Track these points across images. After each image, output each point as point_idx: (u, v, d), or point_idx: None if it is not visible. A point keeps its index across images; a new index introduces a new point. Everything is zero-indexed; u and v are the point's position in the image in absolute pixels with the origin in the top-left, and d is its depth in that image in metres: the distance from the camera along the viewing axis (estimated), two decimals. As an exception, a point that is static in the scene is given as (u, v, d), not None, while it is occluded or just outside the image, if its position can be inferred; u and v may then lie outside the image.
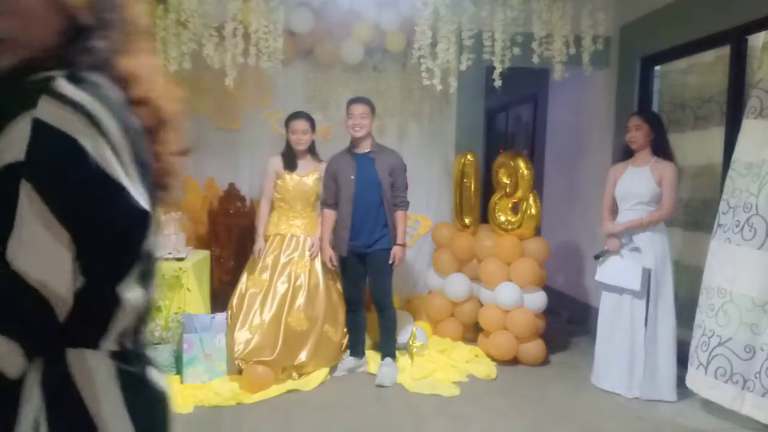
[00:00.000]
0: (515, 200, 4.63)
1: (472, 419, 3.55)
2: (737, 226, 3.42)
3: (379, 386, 3.95)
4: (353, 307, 4.19)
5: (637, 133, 3.89)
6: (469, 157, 4.89)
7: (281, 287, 4.09)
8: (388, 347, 4.14)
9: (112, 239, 0.92)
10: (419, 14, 4.29)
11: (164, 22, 4.16)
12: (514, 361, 4.51)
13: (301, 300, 4.09)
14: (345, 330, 4.28)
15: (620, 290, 3.92)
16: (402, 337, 4.44)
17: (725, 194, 3.57)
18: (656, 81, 4.82)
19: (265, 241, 4.22)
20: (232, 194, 4.83)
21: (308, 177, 4.21)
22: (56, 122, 0.84)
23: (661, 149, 3.90)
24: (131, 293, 0.95)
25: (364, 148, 4.05)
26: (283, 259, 4.14)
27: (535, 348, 4.48)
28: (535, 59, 4.45)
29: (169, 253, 4.24)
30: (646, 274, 3.81)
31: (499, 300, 4.46)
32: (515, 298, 4.42)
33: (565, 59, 4.52)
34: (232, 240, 4.79)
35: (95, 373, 0.92)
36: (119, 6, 1.01)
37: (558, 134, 6.52)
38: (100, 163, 0.87)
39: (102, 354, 0.94)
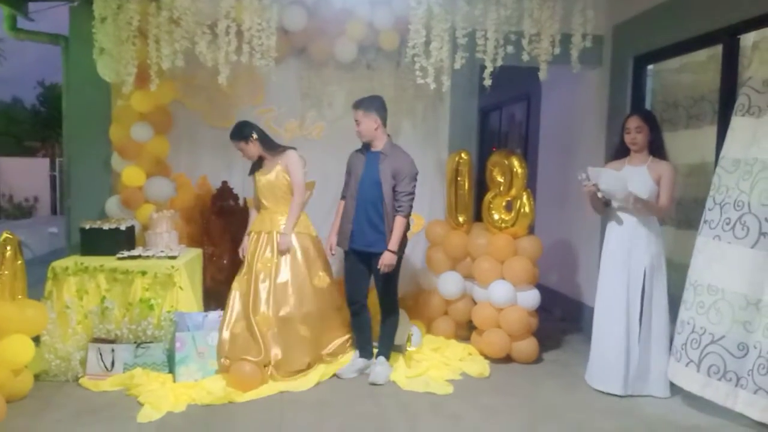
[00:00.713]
0: (509, 199, 4.63)
1: (465, 417, 3.55)
2: (728, 224, 3.44)
3: (373, 384, 3.95)
4: (354, 308, 4.15)
5: (639, 135, 3.89)
6: (463, 155, 4.90)
7: (254, 291, 4.10)
8: (384, 348, 4.13)
9: None
10: (413, 13, 4.29)
11: (157, 19, 4.14)
12: (508, 359, 4.52)
13: (267, 301, 4.07)
14: (332, 328, 4.32)
15: (617, 286, 3.93)
16: (398, 338, 4.43)
17: (712, 191, 3.60)
18: (649, 80, 4.84)
19: (249, 239, 4.30)
20: (224, 192, 4.82)
21: (271, 173, 4.24)
22: None
23: (657, 149, 3.91)
24: None
25: (377, 146, 4.02)
26: (256, 258, 4.17)
27: (528, 346, 4.49)
28: (525, 57, 4.46)
29: (162, 252, 4.23)
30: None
31: (493, 298, 4.47)
32: (508, 296, 4.43)
33: (556, 58, 4.52)
34: (224, 238, 4.77)
35: None
36: None
37: (551, 133, 6.54)
38: None
39: None
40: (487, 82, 4.48)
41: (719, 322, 3.45)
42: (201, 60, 4.22)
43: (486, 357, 4.50)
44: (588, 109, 5.57)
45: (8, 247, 3.64)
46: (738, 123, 3.51)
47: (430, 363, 4.27)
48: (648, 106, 4.81)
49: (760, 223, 3.30)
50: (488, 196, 4.72)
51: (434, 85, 4.43)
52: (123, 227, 4.29)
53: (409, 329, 4.51)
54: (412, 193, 3.95)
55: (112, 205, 4.77)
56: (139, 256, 4.16)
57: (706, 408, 3.70)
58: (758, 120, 3.40)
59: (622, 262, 3.90)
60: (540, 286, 4.67)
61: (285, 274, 4.14)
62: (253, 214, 4.40)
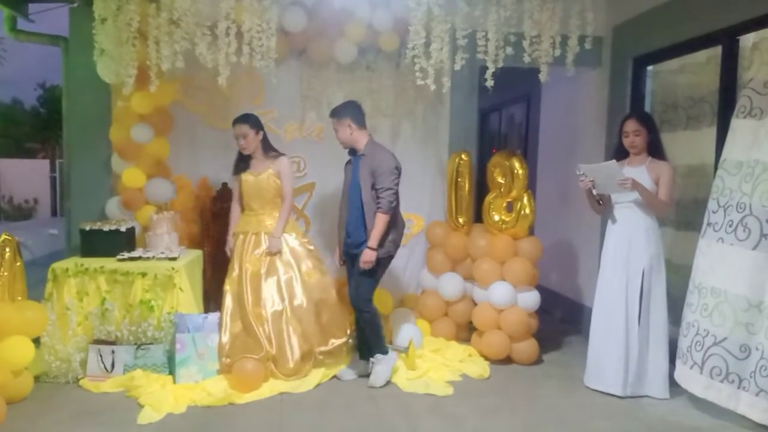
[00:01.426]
0: (510, 200, 4.63)
1: (465, 419, 3.55)
2: (730, 226, 3.44)
3: (370, 387, 3.94)
4: (357, 313, 4.11)
5: (637, 138, 3.90)
6: (463, 156, 4.90)
7: (245, 284, 4.16)
8: (374, 346, 4.07)
9: None
10: (413, 14, 4.28)
11: (156, 20, 4.14)
12: (508, 360, 4.52)
13: (258, 298, 4.14)
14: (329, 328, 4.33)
15: (616, 284, 3.93)
16: (401, 341, 4.43)
17: (714, 193, 3.59)
18: (648, 81, 4.84)
19: (234, 239, 4.32)
20: (225, 194, 4.82)
21: (261, 175, 4.25)
22: None
23: (656, 149, 3.91)
24: None
25: (359, 149, 4.03)
26: (246, 258, 4.21)
27: (528, 347, 4.49)
28: (526, 59, 4.46)
29: (162, 253, 4.23)
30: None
31: (493, 299, 4.46)
32: (509, 298, 4.43)
33: (556, 59, 4.53)
34: (224, 240, 4.77)
35: None
36: None
37: (551, 134, 6.54)
38: None
39: None
40: (489, 84, 4.48)
41: (722, 325, 3.44)
42: (201, 61, 4.22)
43: (486, 358, 4.49)
44: (587, 110, 5.57)
45: (7, 249, 3.65)
46: (739, 125, 3.50)
47: (431, 364, 4.27)
48: (647, 107, 4.81)
49: (761, 224, 3.29)
50: (489, 197, 4.72)
51: (434, 87, 4.42)
52: (123, 229, 4.29)
53: (410, 331, 4.51)
54: (391, 188, 3.87)
55: (112, 206, 4.77)
56: (140, 258, 4.16)
57: (707, 409, 3.70)
58: (759, 122, 3.39)
59: (621, 263, 3.91)
60: (540, 288, 4.67)
61: (274, 272, 4.21)
62: (235, 213, 4.39)
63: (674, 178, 3.89)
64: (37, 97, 25.02)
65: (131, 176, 4.66)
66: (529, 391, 4.02)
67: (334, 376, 4.08)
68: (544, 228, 6.03)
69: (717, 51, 4.00)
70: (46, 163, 19.34)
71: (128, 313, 4.00)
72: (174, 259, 4.17)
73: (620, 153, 4.04)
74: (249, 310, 4.10)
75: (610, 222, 4.04)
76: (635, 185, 3.75)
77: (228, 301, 4.17)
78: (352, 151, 4.09)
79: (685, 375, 3.68)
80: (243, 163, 4.30)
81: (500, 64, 4.51)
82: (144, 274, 4.01)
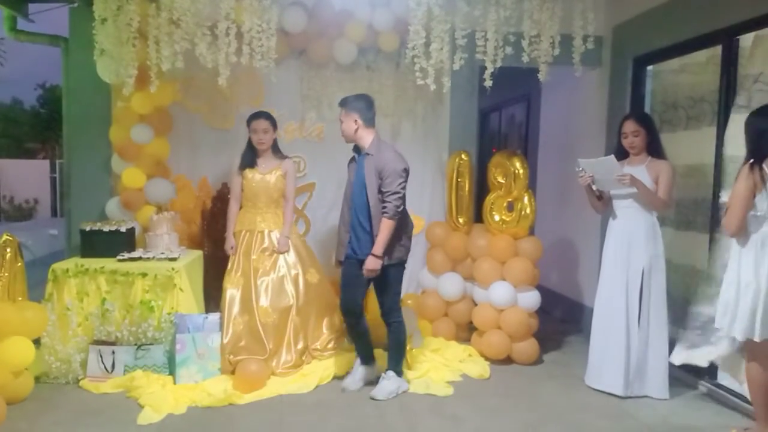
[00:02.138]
0: (510, 200, 4.63)
1: (465, 419, 3.55)
2: None
3: (372, 398, 3.76)
4: (350, 319, 3.93)
5: (636, 139, 3.90)
6: (463, 156, 4.90)
7: (252, 283, 4.18)
8: (391, 360, 3.90)
9: None
10: (412, 14, 4.28)
11: (156, 21, 4.14)
12: (508, 360, 4.52)
13: (267, 295, 4.18)
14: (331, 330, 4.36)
15: (616, 284, 3.93)
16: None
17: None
18: (648, 81, 4.84)
19: (235, 238, 4.33)
20: (225, 194, 4.82)
21: (271, 174, 4.28)
22: None
23: (656, 149, 3.91)
24: None
25: (364, 147, 3.79)
26: (252, 256, 4.24)
27: (528, 347, 4.49)
28: (525, 59, 4.46)
29: (162, 253, 4.23)
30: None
31: (493, 299, 4.46)
32: (509, 298, 4.43)
33: (556, 59, 4.53)
34: (224, 240, 4.77)
35: None
36: None
37: (551, 134, 6.54)
38: None
39: None
40: (488, 83, 4.48)
41: None
42: (201, 61, 4.22)
43: (486, 358, 4.50)
44: (587, 110, 5.57)
45: (8, 249, 3.65)
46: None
47: (431, 364, 4.27)
48: (647, 107, 4.81)
49: None
50: (490, 197, 4.72)
51: (434, 86, 4.43)
52: (123, 229, 4.29)
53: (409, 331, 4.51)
54: (398, 193, 3.62)
55: (112, 206, 4.77)
56: (140, 258, 4.16)
57: (707, 409, 3.70)
58: None
59: (621, 262, 3.91)
60: (540, 287, 4.67)
61: (281, 270, 4.26)
62: (234, 211, 4.36)
63: (674, 177, 3.89)
64: (37, 97, 25.03)
65: (131, 176, 4.66)
66: (529, 391, 4.02)
67: (335, 377, 4.08)
68: (544, 228, 6.03)
69: (717, 51, 4.00)
70: (46, 163, 19.34)
71: (128, 313, 4.00)
72: (174, 259, 4.17)
73: (620, 153, 4.04)
74: (255, 308, 4.13)
75: (610, 221, 4.04)
76: (633, 181, 3.76)
77: (229, 299, 4.18)
78: (357, 149, 3.87)
79: None
80: (251, 159, 4.29)
81: (500, 64, 4.51)
82: (144, 275, 4.01)
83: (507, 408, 3.73)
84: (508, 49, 4.44)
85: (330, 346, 4.31)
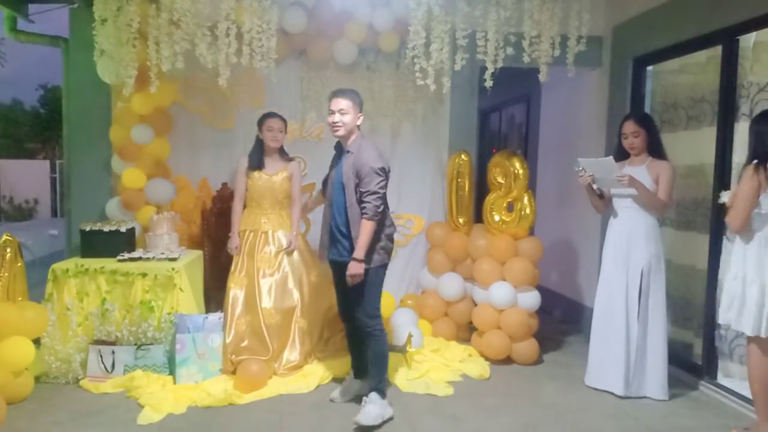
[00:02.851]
0: (510, 200, 4.64)
1: (465, 419, 3.55)
2: None
3: (355, 423, 3.37)
4: (342, 318, 3.83)
5: (636, 140, 3.90)
6: (463, 156, 4.91)
7: (255, 283, 4.19)
8: (372, 379, 3.55)
9: None
10: (413, 14, 4.29)
11: (157, 21, 4.15)
12: (508, 360, 4.52)
13: (270, 296, 4.18)
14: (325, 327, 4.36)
15: (616, 284, 3.93)
16: (399, 339, 4.43)
17: None
18: (648, 81, 4.84)
19: (240, 237, 4.33)
20: (225, 194, 4.82)
21: (277, 175, 4.30)
22: None
23: (656, 150, 3.91)
24: None
25: (346, 143, 3.56)
26: (256, 256, 4.25)
27: (528, 347, 4.49)
28: (526, 59, 4.47)
29: (162, 253, 4.23)
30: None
31: (493, 299, 4.47)
32: (509, 298, 4.43)
33: (556, 59, 4.54)
34: (225, 240, 4.77)
35: None
36: None
37: (551, 134, 6.54)
38: None
39: None
40: (488, 84, 4.48)
41: None
42: (201, 62, 4.23)
43: (486, 358, 4.50)
44: (587, 110, 5.57)
45: (8, 249, 3.65)
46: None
47: (431, 364, 4.27)
48: (647, 107, 4.81)
49: None
50: (490, 198, 4.72)
51: (434, 87, 4.43)
52: (123, 229, 4.29)
53: (408, 331, 4.51)
54: (378, 193, 3.38)
55: (112, 206, 4.77)
56: (140, 258, 4.16)
57: (706, 409, 3.70)
58: None
59: (620, 262, 3.91)
60: (540, 288, 4.67)
61: (286, 269, 4.27)
62: (237, 212, 4.35)
63: (674, 177, 3.89)
64: (37, 98, 25.05)
65: (131, 177, 4.66)
66: (529, 391, 4.02)
67: (334, 377, 4.08)
68: (544, 228, 6.03)
69: (717, 51, 4.00)
70: (47, 163, 19.35)
71: (128, 313, 4.00)
72: (174, 259, 4.17)
73: (620, 154, 4.04)
74: (259, 309, 4.14)
75: (610, 221, 4.04)
76: (632, 182, 3.76)
77: (232, 299, 4.18)
78: (339, 146, 3.65)
79: None
80: (259, 160, 4.28)
81: (500, 64, 4.52)
82: (144, 275, 4.01)
83: (507, 408, 3.73)
84: (509, 50, 4.44)
85: (333, 346, 4.34)
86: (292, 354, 4.15)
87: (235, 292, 4.20)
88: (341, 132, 3.51)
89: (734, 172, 3.82)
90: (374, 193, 3.39)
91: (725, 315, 3.21)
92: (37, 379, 3.84)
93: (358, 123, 3.54)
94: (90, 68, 4.45)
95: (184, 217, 4.89)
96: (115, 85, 4.55)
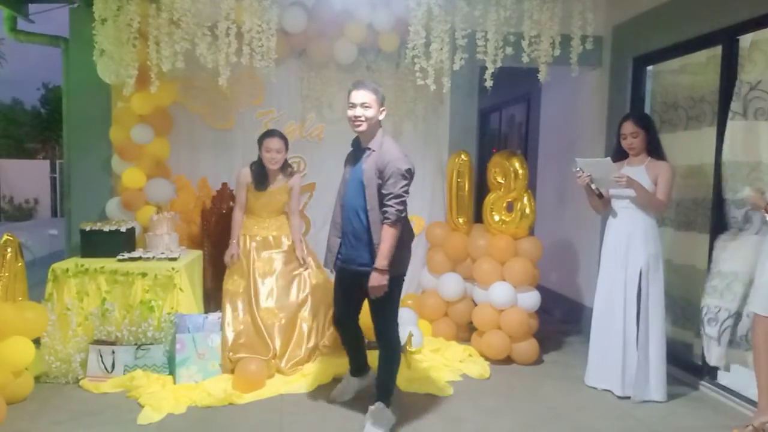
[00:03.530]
0: (510, 200, 4.64)
1: (465, 419, 3.55)
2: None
3: None
4: (338, 325, 3.64)
5: (635, 140, 3.90)
6: (463, 156, 4.91)
7: (254, 290, 4.20)
8: (380, 390, 3.40)
9: None
10: (413, 14, 4.29)
11: (157, 21, 4.15)
12: (508, 360, 4.52)
13: (272, 295, 4.20)
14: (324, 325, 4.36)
15: (614, 285, 3.93)
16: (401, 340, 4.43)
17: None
18: (648, 81, 4.84)
19: (240, 240, 4.34)
20: (224, 194, 4.82)
21: (278, 191, 4.29)
22: None
23: (655, 150, 3.91)
24: None
25: (367, 141, 3.30)
26: (257, 259, 4.27)
27: (528, 347, 4.49)
28: (526, 59, 4.47)
29: (162, 253, 4.23)
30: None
31: (493, 299, 4.47)
32: (509, 298, 4.43)
33: (556, 59, 4.54)
34: (225, 240, 4.76)
35: None
36: None
37: (551, 134, 6.54)
38: None
39: None
40: (488, 83, 4.49)
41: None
42: (201, 62, 4.23)
43: (486, 358, 4.50)
44: (587, 110, 5.57)
45: (9, 249, 3.65)
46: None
47: (431, 364, 4.27)
48: (647, 107, 4.81)
49: None
50: (490, 197, 4.73)
51: (434, 87, 4.44)
52: (123, 229, 4.29)
53: (408, 330, 4.51)
54: (402, 197, 3.14)
55: (112, 206, 4.77)
56: (140, 258, 4.16)
57: (706, 410, 3.71)
58: None
59: (619, 262, 3.91)
60: (540, 288, 4.67)
61: (286, 271, 4.29)
62: (238, 220, 4.34)
63: (673, 178, 3.88)
64: (39, 98, 25.08)
65: (131, 177, 4.66)
66: (529, 392, 4.02)
67: (335, 377, 4.08)
68: (544, 228, 6.03)
69: (717, 51, 4.00)
70: (47, 163, 19.36)
71: (128, 313, 4.00)
72: (174, 259, 4.17)
73: (619, 154, 4.04)
74: (258, 309, 4.15)
75: (609, 220, 4.04)
76: (630, 182, 3.76)
77: (230, 300, 4.20)
78: (357, 143, 3.39)
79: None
80: (263, 180, 4.22)
81: (500, 64, 4.52)
82: (144, 275, 4.01)
83: (507, 408, 3.73)
84: (509, 50, 4.44)
85: (334, 344, 4.33)
86: (296, 351, 4.16)
87: (233, 293, 4.22)
88: (363, 128, 3.23)
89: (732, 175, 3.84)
90: (399, 196, 3.13)
91: (760, 303, 3.27)
92: (37, 379, 3.84)
93: (381, 117, 3.29)
94: (90, 68, 4.45)
95: (184, 217, 4.90)
96: (115, 85, 4.55)
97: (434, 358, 4.39)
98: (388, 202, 3.13)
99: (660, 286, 3.86)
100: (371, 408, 3.36)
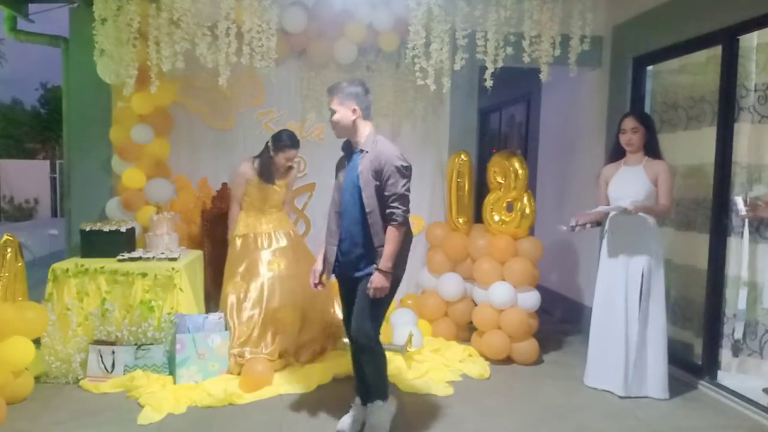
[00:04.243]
0: (510, 200, 4.64)
1: (465, 419, 3.55)
2: None
3: None
4: (357, 347, 3.27)
5: (634, 136, 3.90)
6: (463, 156, 4.91)
7: (261, 283, 4.20)
8: (377, 389, 3.26)
9: None
10: (413, 14, 4.30)
11: (157, 21, 4.15)
12: (508, 360, 4.52)
13: (281, 291, 4.19)
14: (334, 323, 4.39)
15: (614, 285, 3.93)
16: (399, 339, 4.43)
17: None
18: (648, 81, 4.84)
19: (243, 240, 4.34)
20: (224, 194, 4.82)
21: (278, 185, 4.36)
22: None
23: (652, 149, 3.92)
24: None
25: (358, 143, 3.16)
26: (260, 257, 4.27)
27: (528, 347, 4.49)
28: (526, 59, 4.47)
29: (162, 253, 4.23)
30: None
31: (493, 299, 4.47)
32: (509, 298, 4.43)
33: (556, 59, 4.54)
34: (225, 240, 4.77)
35: None
36: None
37: (551, 134, 6.54)
38: None
39: None
40: (488, 83, 4.49)
41: None
42: (201, 62, 4.23)
43: (486, 358, 4.50)
44: (587, 110, 5.57)
45: (9, 249, 3.65)
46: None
47: (431, 364, 4.27)
48: (647, 107, 4.81)
49: None
50: (490, 197, 4.73)
51: (434, 87, 4.44)
52: (123, 229, 4.29)
53: (408, 330, 4.51)
54: (405, 195, 3.05)
55: (112, 206, 4.77)
56: (140, 258, 4.16)
57: (706, 410, 3.70)
58: None
59: (620, 262, 3.91)
60: (540, 287, 4.67)
61: (293, 267, 4.29)
62: (235, 214, 4.38)
63: (673, 177, 3.89)
64: (38, 98, 25.07)
65: (131, 177, 4.66)
66: (529, 392, 4.02)
67: (334, 377, 4.07)
68: (544, 228, 6.03)
69: (717, 51, 4.00)
70: (47, 163, 19.35)
71: (128, 313, 4.00)
72: (174, 259, 4.17)
73: (617, 152, 4.05)
74: (269, 303, 4.15)
75: (609, 220, 4.04)
76: (637, 208, 3.77)
77: (234, 299, 4.19)
78: (348, 146, 3.24)
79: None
80: (270, 177, 4.29)
81: (500, 64, 4.52)
82: (144, 275, 4.01)
83: (507, 408, 3.73)
84: (509, 50, 4.45)
85: (338, 336, 4.41)
86: (312, 345, 4.24)
87: (235, 292, 4.21)
88: (336, 132, 3.18)
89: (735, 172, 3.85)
90: (402, 196, 3.04)
91: None
92: (37, 379, 3.84)
93: (354, 118, 3.11)
94: (90, 68, 4.45)
95: (184, 217, 4.90)
96: (115, 85, 4.55)
97: (434, 358, 4.39)
98: (393, 204, 3.03)
99: (661, 285, 3.87)
100: (369, 405, 3.26)
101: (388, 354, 3.52)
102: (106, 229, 4.25)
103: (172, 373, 3.93)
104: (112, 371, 3.91)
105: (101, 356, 3.92)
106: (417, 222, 5.28)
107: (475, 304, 4.73)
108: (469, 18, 4.39)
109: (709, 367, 4.03)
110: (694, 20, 4.11)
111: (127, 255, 4.18)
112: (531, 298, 4.52)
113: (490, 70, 4.50)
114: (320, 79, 5.08)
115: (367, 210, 3.05)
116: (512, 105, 7.71)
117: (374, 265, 3.07)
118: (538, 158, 6.74)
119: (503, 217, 4.62)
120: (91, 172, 4.95)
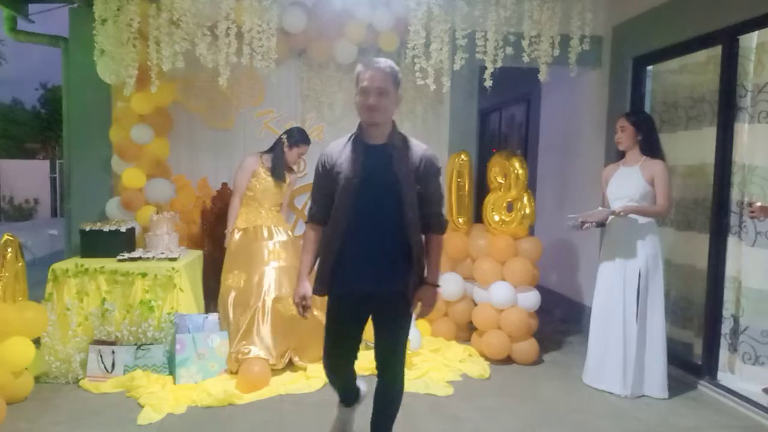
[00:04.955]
0: (510, 200, 4.64)
1: (465, 419, 3.55)
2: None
3: None
4: (336, 370, 2.88)
5: (622, 135, 3.94)
6: (463, 156, 4.91)
7: (261, 278, 4.19)
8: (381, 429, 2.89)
9: None
10: (412, 14, 4.30)
11: (157, 21, 4.15)
12: (508, 360, 4.52)
13: (284, 285, 4.19)
14: None
15: (613, 286, 3.93)
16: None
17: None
18: (648, 81, 4.84)
19: (243, 234, 4.36)
20: (225, 194, 4.82)
21: (282, 182, 4.41)
22: None
23: (649, 149, 3.91)
24: None
25: (377, 136, 2.61)
26: (262, 247, 4.28)
27: (528, 347, 4.49)
28: (526, 59, 4.47)
29: (162, 253, 4.23)
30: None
31: (493, 299, 4.47)
32: (509, 298, 4.43)
33: (556, 59, 4.54)
34: (224, 238, 4.77)
35: None
36: None
37: (551, 134, 6.54)
38: None
39: None
40: (488, 84, 4.49)
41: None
42: (201, 62, 4.23)
43: (486, 358, 4.50)
44: (587, 110, 5.57)
45: (9, 249, 3.65)
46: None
47: (431, 364, 4.27)
48: (647, 107, 4.81)
49: None
50: (490, 197, 4.73)
51: (434, 87, 4.44)
52: (123, 229, 4.29)
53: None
54: (443, 197, 2.83)
55: (112, 206, 4.77)
56: (140, 258, 4.16)
57: (706, 410, 3.70)
58: None
59: (618, 262, 3.91)
60: (540, 287, 4.67)
61: (293, 260, 4.27)
62: (236, 208, 4.38)
63: (670, 177, 3.88)
64: (38, 98, 25.09)
65: (131, 177, 4.66)
66: (529, 391, 4.02)
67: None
68: (544, 227, 6.03)
69: (717, 51, 4.00)
70: (47, 163, 19.36)
71: (128, 313, 4.00)
72: (174, 259, 4.17)
73: (619, 153, 4.07)
74: (272, 297, 4.14)
75: (608, 221, 4.04)
76: (627, 210, 3.80)
77: (233, 295, 4.19)
78: (358, 142, 2.62)
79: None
80: (281, 173, 4.38)
81: (500, 64, 4.52)
82: (144, 275, 4.01)
83: (507, 408, 3.73)
84: (509, 50, 4.44)
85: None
86: (316, 344, 4.15)
87: (235, 284, 4.22)
88: (379, 119, 2.57)
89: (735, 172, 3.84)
90: (441, 198, 2.74)
91: None
92: (37, 379, 3.84)
93: (395, 106, 2.68)
94: (90, 68, 4.45)
95: (184, 217, 4.90)
96: (115, 85, 4.55)
97: (434, 358, 4.39)
98: (436, 210, 2.67)
99: (660, 285, 3.87)
100: None
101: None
102: (106, 229, 4.25)
103: (172, 373, 3.93)
104: (112, 371, 3.91)
105: (101, 356, 3.92)
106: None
107: (475, 304, 4.73)
108: (468, 18, 4.39)
109: (709, 367, 4.03)
110: (694, 20, 4.11)
111: (127, 255, 4.18)
112: (531, 298, 4.52)
113: (490, 70, 4.50)
114: (320, 79, 5.09)
115: (409, 215, 2.56)
116: (512, 105, 7.71)
117: (415, 280, 2.63)
118: (538, 158, 6.74)
119: (503, 217, 4.62)
120: (91, 172, 4.95)
